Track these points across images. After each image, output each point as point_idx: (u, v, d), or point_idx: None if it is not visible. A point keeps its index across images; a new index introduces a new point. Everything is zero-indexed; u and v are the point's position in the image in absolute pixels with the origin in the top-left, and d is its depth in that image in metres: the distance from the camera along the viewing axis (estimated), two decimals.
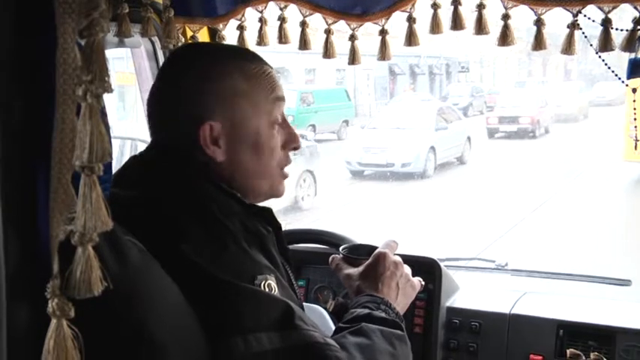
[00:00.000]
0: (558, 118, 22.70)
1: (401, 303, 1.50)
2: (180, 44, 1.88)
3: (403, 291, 1.52)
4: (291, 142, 1.42)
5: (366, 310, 1.38)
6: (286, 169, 1.44)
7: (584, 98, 26.11)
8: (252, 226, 1.27)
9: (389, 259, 1.53)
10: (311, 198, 11.60)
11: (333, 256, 1.66)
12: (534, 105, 21.60)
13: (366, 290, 1.48)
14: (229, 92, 1.31)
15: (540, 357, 1.98)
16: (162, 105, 1.37)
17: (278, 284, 1.23)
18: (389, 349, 1.30)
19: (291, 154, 1.44)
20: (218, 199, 1.26)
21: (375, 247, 1.60)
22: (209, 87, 1.31)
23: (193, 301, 1.11)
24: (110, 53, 2.05)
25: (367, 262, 1.54)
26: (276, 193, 1.42)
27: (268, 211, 1.36)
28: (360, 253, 1.63)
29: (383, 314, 1.38)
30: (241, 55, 1.40)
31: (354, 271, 1.56)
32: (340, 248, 1.67)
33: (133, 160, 1.37)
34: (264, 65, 1.37)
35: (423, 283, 1.61)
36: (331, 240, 2.08)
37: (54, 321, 0.80)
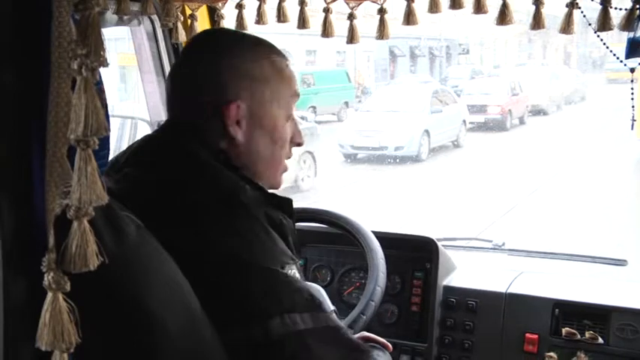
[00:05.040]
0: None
1: None
2: (179, 22, 1.87)
3: None
4: (296, 137, 1.46)
5: None
6: (286, 162, 1.48)
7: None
8: (275, 217, 1.29)
9: None
10: (311, 179, 11.62)
11: None
12: (505, 93, 19.48)
13: None
14: (258, 77, 1.34)
15: (536, 335, 2.00)
16: (187, 82, 1.38)
17: (299, 273, 1.27)
18: None
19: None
20: (245, 189, 1.27)
21: None
22: (242, 68, 1.33)
23: (223, 289, 1.15)
24: (112, 34, 2.05)
25: None
26: (275, 185, 1.45)
27: (289, 203, 1.38)
28: None
29: None
30: (270, 45, 1.42)
31: None
32: None
33: (149, 139, 1.38)
34: (287, 60, 1.42)
35: None
36: (329, 219, 2.09)
37: (50, 294, 0.81)
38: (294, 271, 1.24)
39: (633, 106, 1.51)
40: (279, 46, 1.43)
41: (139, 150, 1.34)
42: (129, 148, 1.36)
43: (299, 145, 1.48)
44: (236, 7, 1.87)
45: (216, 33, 1.62)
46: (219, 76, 1.33)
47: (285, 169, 1.47)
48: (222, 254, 1.17)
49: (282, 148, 1.41)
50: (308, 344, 1.17)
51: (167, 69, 2.13)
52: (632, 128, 1.57)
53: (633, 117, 1.55)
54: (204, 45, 1.43)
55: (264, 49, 1.39)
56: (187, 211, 1.20)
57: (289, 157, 1.47)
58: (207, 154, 1.29)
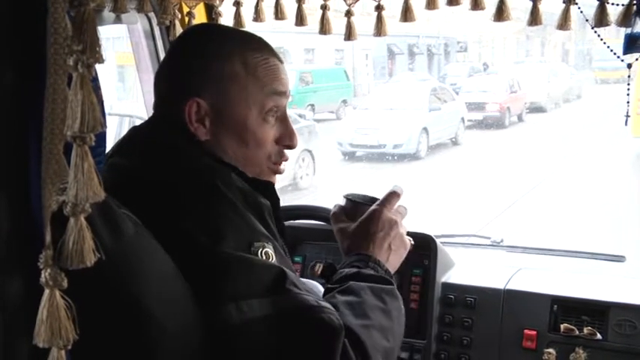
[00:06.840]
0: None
1: (392, 262, 1.47)
2: (177, 20, 1.87)
3: (396, 252, 1.48)
4: (285, 139, 1.39)
5: (354, 269, 1.37)
6: (282, 165, 1.42)
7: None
8: (251, 197, 1.28)
9: (384, 217, 1.48)
10: (309, 177, 11.62)
11: (335, 204, 1.62)
12: (504, 90, 19.46)
13: (356, 250, 1.46)
14: (224, 75, 1.31)
15: (534, 332, 2.00)
16: (163, 78, 1.39)
17: (276, 252, 1.23)
18: (379, 304, 1.30)
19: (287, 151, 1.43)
20: (219, 170, 1.27)
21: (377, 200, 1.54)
22: (205, 65, 1.31)
23: (189, 274, 1.12)
24: (109, 32, 2.05)
25: (360, 219, 1.50)
26: None
27: (268, 185, 1.36)
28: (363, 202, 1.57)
29: (371, 271, 1.38)
30: (248, 42, 1.37)
31: (347, 226, 1.53)
32: (343, 194, 1.61)
33: (134, 130, 1.39)
34: (269, 57, 1.35)
35: (413, 242, 1.57)
36: (327, 216, 2.08)
37: (47, 291, 0.81)
38: (267, 250, 1.20)
39: (628, 102, 1.51)
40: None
41: (124, 141, 1.35)
42: (117, 142, 1.36)
43: (289, 147, 1.41)
44: (234, 5, 1.87)
45: (197, 29, 1.56)
46: (185, 73, 1.33)
47: (276, 171, 1.42)
48: (188, 242, 1.14)
49: (258, 148, 1.35)
50: (268, 331, 1.12)
51: None
52: (625, 124, 1.56)
53: (627, 113, 1.55)
54: (181, 41, 1.44)
55: (238, 45, 1.35)
56: (157, 195, 1.20)
57: (281, 159, 1.41)
58: (183, 145, 1.29)
